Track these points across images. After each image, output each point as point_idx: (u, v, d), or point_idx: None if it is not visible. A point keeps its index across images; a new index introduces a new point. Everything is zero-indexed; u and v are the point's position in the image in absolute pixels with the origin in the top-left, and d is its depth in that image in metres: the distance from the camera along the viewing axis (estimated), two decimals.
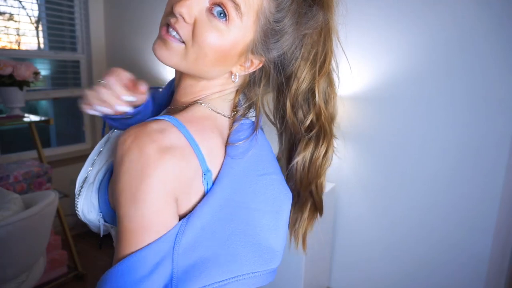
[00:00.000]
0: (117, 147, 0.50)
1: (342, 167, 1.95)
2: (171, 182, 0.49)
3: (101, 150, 0.66)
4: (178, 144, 0.51)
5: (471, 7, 1.52)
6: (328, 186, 1.90)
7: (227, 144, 0.57)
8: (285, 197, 0.58)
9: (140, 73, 2.75)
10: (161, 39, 0.55)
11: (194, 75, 0.59)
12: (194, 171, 0.52)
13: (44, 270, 1.66)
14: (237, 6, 0.51)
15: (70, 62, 2.80)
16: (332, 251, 2.05)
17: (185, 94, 0.62)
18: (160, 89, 0.84)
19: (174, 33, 0.54)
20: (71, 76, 2.80)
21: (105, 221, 0.64)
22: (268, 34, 0.56)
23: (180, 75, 0.62)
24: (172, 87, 0.75)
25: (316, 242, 1.78)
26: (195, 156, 0.52)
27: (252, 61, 0.59)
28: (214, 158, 0.55)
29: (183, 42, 0.54)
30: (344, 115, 1.90)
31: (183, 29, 0.53)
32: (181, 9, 0.51)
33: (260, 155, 0.59)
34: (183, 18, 0.52)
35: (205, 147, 0.53)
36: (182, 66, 0.56)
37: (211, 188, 0.54)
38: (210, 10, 0.52)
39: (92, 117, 2.95)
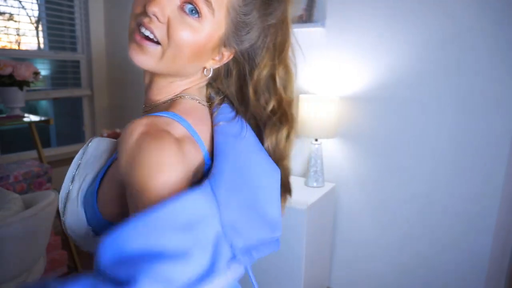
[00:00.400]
0: (124, 140, 0.51)
1: (342, 167, 1.95)
2: (190, 169, 0.53)
3: (79, 164, 0.68)
4: (185, 134, 0.55)
5: (469, 7, 1.52)
6: (328, 186, 1.90)
7: (215, 126, 0.61)
8: (276, 172, 0.62)
9: (139, 73, 2.74)
10: (136, 43, 0.55)
11: (171, 74, 0.61)
12: (200, 158, 0.57)
13: (44, 270, 1.66)
14: (208, 3, 0.53)
15: (70, 62, 2.80)
16: (332, 251, 2.05)
17: (160, 93, 0.64)
18: None
19: (147, 33, 0.54)
20: (71, 76, 2.80)
21: (95, 234, 0.64)
22: (239, 26, 0.58)
23: (151, 75, 0.65)
24: None
25: (316, 242, 1.78)
26: (198, 144, 0.56)
27: (223, 54, 0.61)
28: (208, 143, 0.59)
29: (158, 43, 0.54)
30: (345, 115, 1.90)
31: (158, 29, 0.53)
32: (154, 8, 0.51)
33: (250, 135, 0.62)
34: (156, 17, 0.52)
35: (202, 134, 0.58)
36: (160, 67, 0.57)
37: (217, 168, 0.56)
38: (182, 8, 0.53)
39: (92, 117, 2.96)
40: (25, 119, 2.03)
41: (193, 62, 0.58)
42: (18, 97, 2.05)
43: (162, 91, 0.64)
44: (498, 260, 1.69)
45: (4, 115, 2.07)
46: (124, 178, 0.51)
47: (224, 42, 0.59)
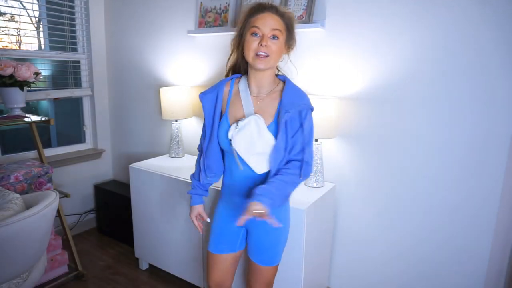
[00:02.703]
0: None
1: (342, 167, 1.96)
2: None
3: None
4: None
5: (471, 7, 1.52)
6: (328, 186, 1.90)
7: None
8: None
9: (140, 73, 2.75)
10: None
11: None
12: None
13: (45, 270, 1.66)
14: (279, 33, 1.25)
15: (71, 62, 2.80)
16: (332, 251, 2.05)
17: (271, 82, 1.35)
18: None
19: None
20: (72, 76, 2.81)
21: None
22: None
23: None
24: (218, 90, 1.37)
25: (316, 242, 1.78)
26: None
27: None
28: None
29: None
30: (345, 115, 1.90)
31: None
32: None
33: None
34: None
35: None
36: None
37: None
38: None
39: (93, 117, 2.96)
40: (26, 119, 2.04)
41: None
42: (19, 97, 2.05)
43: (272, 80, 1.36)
44: (497, 260, 1.69)
45: (4, 115, 2.07)
46: None
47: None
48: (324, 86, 1.94)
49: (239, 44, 1.29)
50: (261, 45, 1.20)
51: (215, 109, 1.32)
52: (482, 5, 1.49)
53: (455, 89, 1.60)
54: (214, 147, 1.34)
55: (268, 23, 1.21)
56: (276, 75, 1.36)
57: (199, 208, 1.48)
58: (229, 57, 1.37)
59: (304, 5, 1.89)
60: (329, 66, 1.90)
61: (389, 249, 1.88)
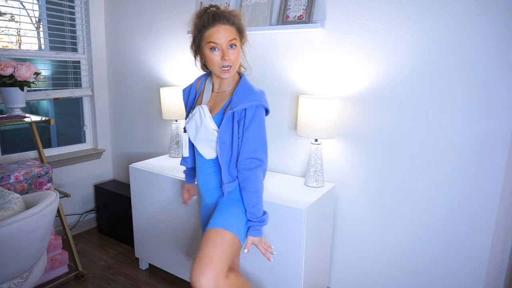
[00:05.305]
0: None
1: (342, 167, 1.96)
2: None
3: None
4: None
5: (470, 7, 1.52)
6: (328, 186, 1.90)
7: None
8: None
9: (140, 73, 2.75)
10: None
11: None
12: None
13: (45, 270, 1.66)
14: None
15: (71, 62, 2.80)
16: (332, 251, 2.06)
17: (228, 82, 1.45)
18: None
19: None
20: (72, 76, 2.81)
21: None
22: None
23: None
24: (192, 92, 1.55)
25: (316, 242, 1.78)
26: None
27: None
28: None
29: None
30: (345, 115, 1.90)
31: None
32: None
33: None
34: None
35: None
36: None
37: None
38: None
39: (93, 117, 2.96)
40: (26, 119, 2.04)
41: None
42: (19, 97, 2.05)
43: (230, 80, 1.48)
44: (497, 260, 1.69)
45: (5, 115, 2.07)
46: None
47: None
48: (324, 86, 1.94)
49: (200, 55, 1.41)
50: (224, 59, 1.31)
51: (188, 102, 1.53)
52: (482, 5, 1.49)
53: (455, 89, 1.60)
54: (186, 138, 1.54)
55: (223, 36, 1.30)
56: (238, 72, 1.47)
57: (187, 185, 1.73)
58: (195, 60, 1.48)
59: (304, 5, 1.89)
60: (329, 66, 1.90)
61: (389, 249, 1.88)
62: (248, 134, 1.33)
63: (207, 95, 1.46)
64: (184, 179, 1.74)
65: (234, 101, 1.34)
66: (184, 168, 1.80)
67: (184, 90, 1.57)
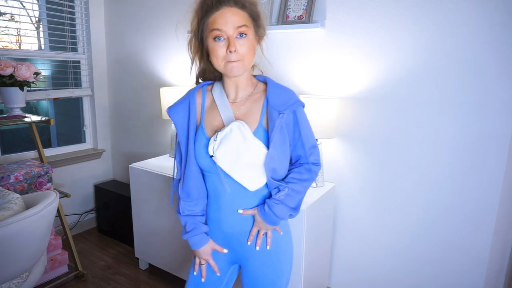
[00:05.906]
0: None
1: (342, 167, 1.96)
2: None
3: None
4: None
5: (469, 7, 1.52)
6: (328, 186, 1.90)
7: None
8: None
9: (140, 73, 2.75)
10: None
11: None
12: None
13: (45, 270, 1.66)
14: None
15: (71, 62, 2.80)
16: (332, 251, 2.06)
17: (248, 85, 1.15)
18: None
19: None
20: (72, 76, 2.81)
21: None
22: None
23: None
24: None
25: (316, 242, 1.78)
26: None
27: None
28: None
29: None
30: (345, 115, 1.90)
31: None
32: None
33: None
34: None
35: None
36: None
37: None
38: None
39: (93, 117, 2.96)
40: (26, 119, 2.04)
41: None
42: (19, 97, 2.05)
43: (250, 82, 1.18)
44: (497, 260, 1.69)
45: (5, 115, 2.07)
46: None
47: None
48: (324, 86, 1.94)
49: (201, 51, 1.10)
50: (230, 51, 1.01)
51: (189, 124, 1.11)
52: (481, 5, 1.49)
53: (455, 89, 1.60)
54: (193, 169, 1.11)
55: (230, 22, 1.00)
56: (254, 75, 1.18)
57: (207, 248, 1.19)
58: (192, 64, 1.16)
59: (304, 5, 1.89)
60: (329, 66, 1.90)
61: (389, 249, 1.88)
62: (304, 137, 1.13)
63: (224, 108, 1.11)
64: (189, 240, 1.20)
65: (275, 106, 1.05)
66: (183, 222, 1.21)
67: (174, 109, 1.14)
